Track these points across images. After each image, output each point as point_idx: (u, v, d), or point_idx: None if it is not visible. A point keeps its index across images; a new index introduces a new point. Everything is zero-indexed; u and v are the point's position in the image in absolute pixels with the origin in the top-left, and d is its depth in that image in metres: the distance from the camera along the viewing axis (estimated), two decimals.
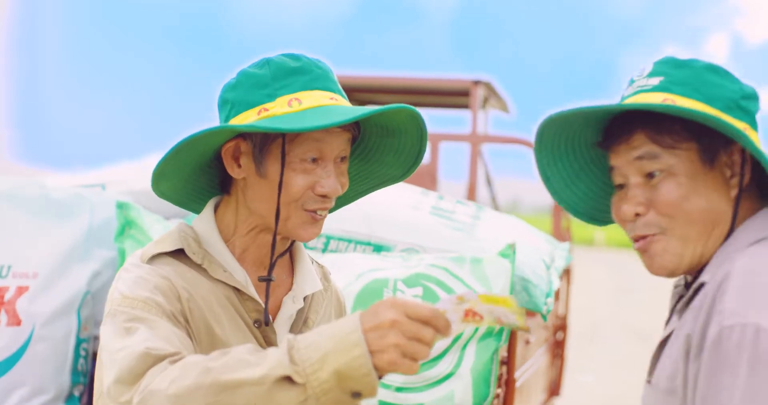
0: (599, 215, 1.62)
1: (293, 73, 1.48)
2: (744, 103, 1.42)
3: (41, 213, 2.53)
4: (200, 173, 1.57)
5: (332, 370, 1.21)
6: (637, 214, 1.43)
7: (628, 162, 1.43)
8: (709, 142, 1.40)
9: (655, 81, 1.44)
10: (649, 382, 1.48)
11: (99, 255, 2.53)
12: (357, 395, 1.23)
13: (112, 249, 2.54)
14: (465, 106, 5.72)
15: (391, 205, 2.67)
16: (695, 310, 1.36)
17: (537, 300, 2.52)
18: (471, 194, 5.07)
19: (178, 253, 1.51)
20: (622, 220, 1.47)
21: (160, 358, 1.30)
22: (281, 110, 1.46)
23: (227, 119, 1.50)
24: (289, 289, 1.61)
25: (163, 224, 2.50)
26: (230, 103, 1.50)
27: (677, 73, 1.43)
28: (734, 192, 1.42)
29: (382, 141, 1.62)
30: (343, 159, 1.53)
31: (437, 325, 1.23)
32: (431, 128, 6.10)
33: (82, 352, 2.47)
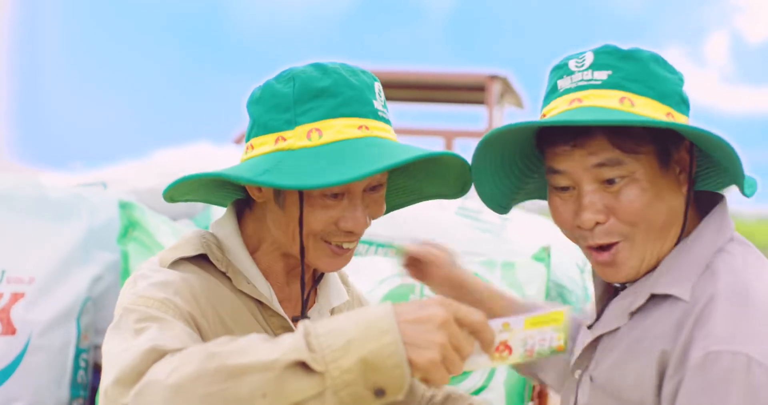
0: (509, 203, 1.55)
1: (318, 96, 1.36)
2: (684, 93, 1.37)
3: (38, 214, 2.46)
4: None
5: (357, 358, 1.06)
6: (597, 223, 1.35)
7: (585, 169, 1.33)
8: (664, 142, 1.33)
9: (603, 75, 1.33)
10: (590, 378, 1.42)
11: (100, 258, 2.45)
12: (380, 393, 1.08)
13: (114, 252, 2.46)
14: (480, 101, 5.71)
15: (415, 205, 2.57)
16: (672, 327, 1.31)
17: (573, 307, 2.44)
18: None
19: (199, 260, 1.42)
20: (574, 227, 1.37)
21: (164, 353, 1.16)
22: (298, 143, 1.35)
23: (250, 136, 1.42)
24: (314, 302, 1.53)
25: (170, 225, 2.43)
26: (252, 120, 1.42)
27: (626, 66, 1.33)
28: (684, 188, 1.38)
29: (425, 166, 1.51)
30: (375, 187, 1.41)
31: (483, 337, 1.12)
32: (445, 124, 6.19)
33: (82, 363, 2.39)
